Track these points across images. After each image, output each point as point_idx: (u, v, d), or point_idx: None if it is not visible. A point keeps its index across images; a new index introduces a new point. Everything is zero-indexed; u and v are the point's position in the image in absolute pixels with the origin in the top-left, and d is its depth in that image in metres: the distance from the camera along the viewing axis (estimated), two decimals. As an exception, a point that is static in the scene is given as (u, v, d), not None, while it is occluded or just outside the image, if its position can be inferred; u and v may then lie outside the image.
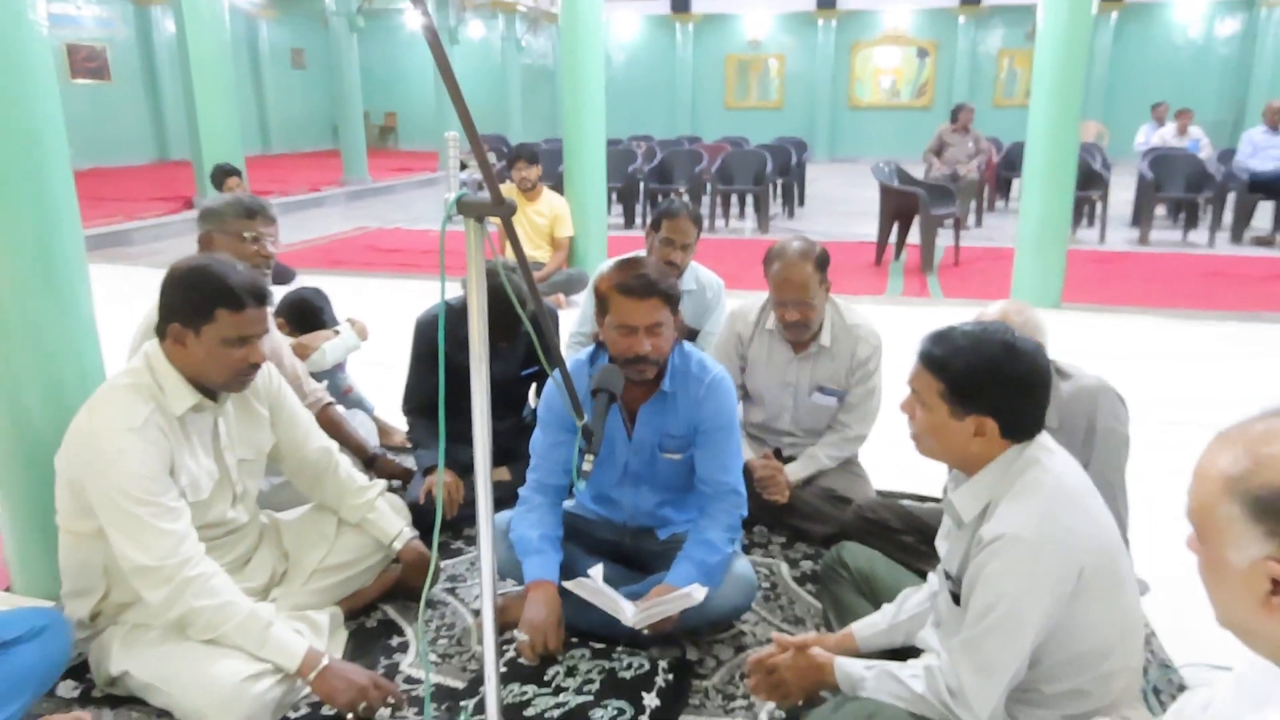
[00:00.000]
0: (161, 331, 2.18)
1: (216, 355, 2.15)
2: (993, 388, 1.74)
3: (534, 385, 3.43)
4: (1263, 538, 1.04)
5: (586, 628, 2.45)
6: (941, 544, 1.99)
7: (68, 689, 2.29)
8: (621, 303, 2.37)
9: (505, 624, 2.53)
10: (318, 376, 3.69)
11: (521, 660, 2.28)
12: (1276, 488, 1.04)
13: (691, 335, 3.77)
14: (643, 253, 3.80)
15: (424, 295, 6.66)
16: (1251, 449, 1.07)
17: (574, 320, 4.09)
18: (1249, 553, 1.06)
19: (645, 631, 2.28)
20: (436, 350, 1.64)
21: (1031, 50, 6.95)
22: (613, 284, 2.39)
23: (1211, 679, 2.29)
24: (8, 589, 2.72)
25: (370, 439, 3.53)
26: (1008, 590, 1.68)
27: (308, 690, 2.21)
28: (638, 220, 10.65)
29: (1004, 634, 1.70)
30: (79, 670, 2.30)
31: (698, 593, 2.27)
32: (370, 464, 3.22)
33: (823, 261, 3.00)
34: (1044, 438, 1.82)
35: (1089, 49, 6.17)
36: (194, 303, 2.13)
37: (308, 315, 3.65)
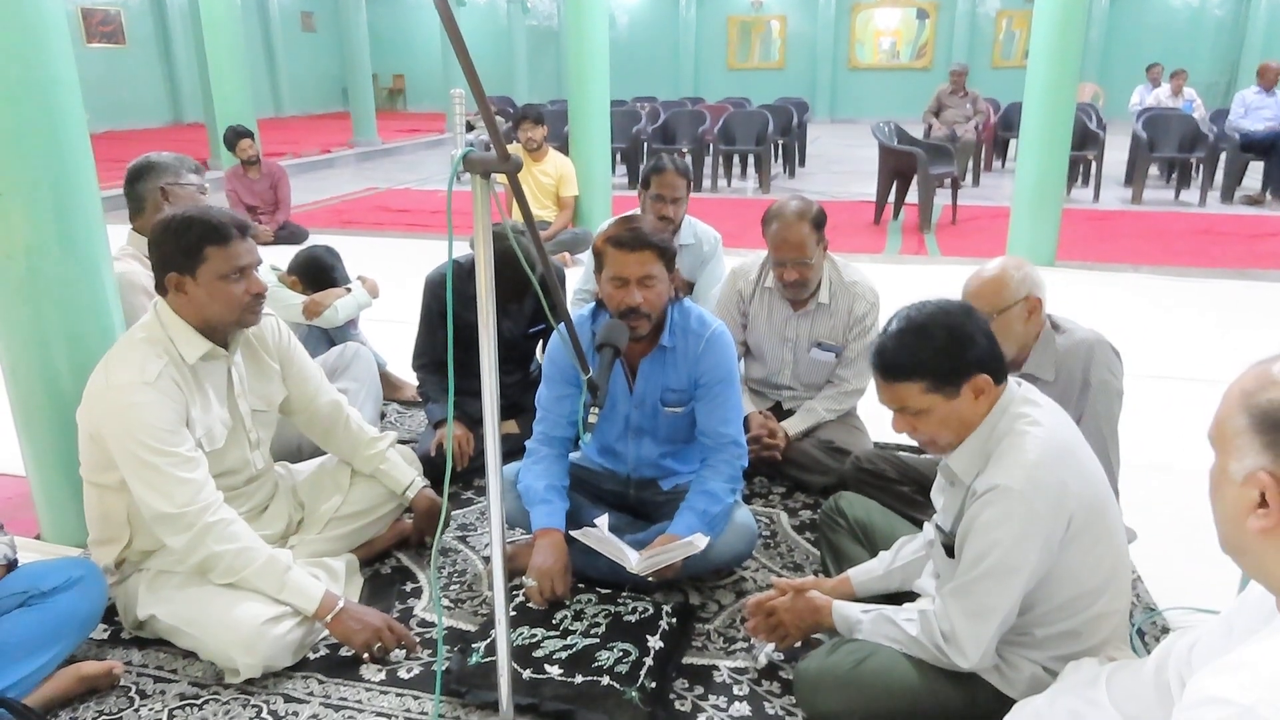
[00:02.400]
0: (161, 286, 2.17)
1: (218, 293, 2.14)
2: (960, 350, 1.74)
3: (541, 342, 3.43)
4: (1262, 449, 1.06)
5: (594, 574, 2.47)
6: (937, 497, 1.99)
7: (99, 632, 2.32)
8: (614, 255, 2.37)
9: (514, 570, 2.55)
10: (332, 333, 3.69)
11: (530, 605, 2.31)
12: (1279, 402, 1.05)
13: (690, 289, 3.75)
14: (638, 210, 3.78)
15: (433, 254, 6.62)
16: (1270, 370, 1.09)
17: (578, 278, 4.07)
18: (1246, 463, 1.07)
19: (650, 578, 2.30)
20: (446, 308, 1.63)
21: (1030, 11, 6.84)
22: (606, 238, 2.39)
23: (1194, 622, 2.32)
24: (38, 537, 2.75)
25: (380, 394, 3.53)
26: (1000, 538, 1.69)
27: (326, 633, 2.24)
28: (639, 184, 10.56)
29: (996, 580, 1.71)
30: (108, 614, 2.32)
31: (699, 541, 2.28)
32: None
33: (819, 221, 2.98)
34: (1030, 390, 1.83)
35: (1087, 11, 6.07)
36: (182, 248, 2.12)
37: (320, 273, 3.63)
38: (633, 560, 2.25)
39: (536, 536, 2.40)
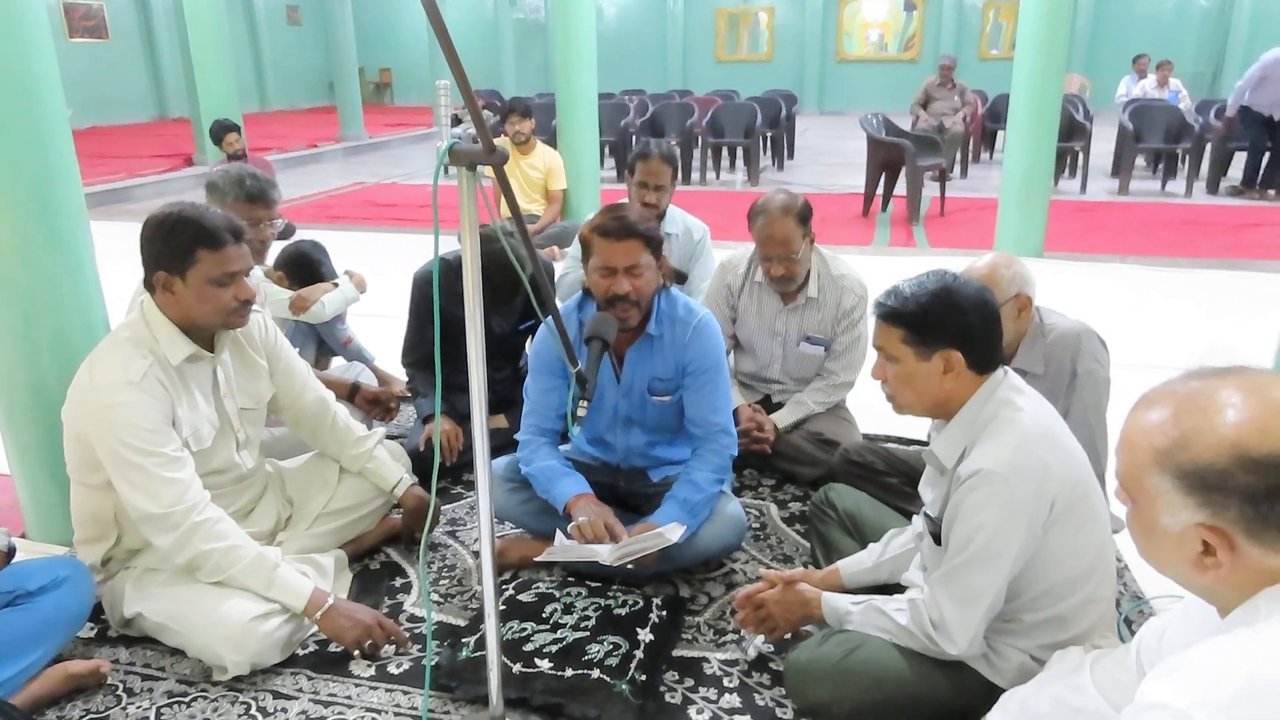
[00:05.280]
0: (149, 284, 2.15)
1: (206, 297, 2.13)
2: (947, 317, 1.77)
3: (530, 337, 3.43)
4: (1196, 507, 1.05)
5: (584, 568, 2.47)
6: (925, 490, 2.00)
7: (85, 630, 2.31)
8: (601, 244, 2.37)
9: (503, 565, 2.56)
10: (319, 328, 3.67)
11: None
12: (1205, 462, 1.04)
13: (681, 279, 3.74)
14: (627, 200, 3.78)
15: (421, 248, 6.62)
16: (1179, 419, 1.08)
17: (562, 270, 4.06)
18: (1180, 519, 1.07)
19: (630, 565, 2.30)
20: (431, 302, 1.63)
21: (1017, 2, 6.84)
22: (593, 227, 2.39)
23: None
24: (23, 535, 2.73)
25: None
26: (985, 522, 1.70)
27: (315, 629, 2.23)
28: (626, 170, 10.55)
29: (982, 564, 1.72)
30: (95, 612, 2.31)
31: (673, 532, 2.28)
32: (352, 396, 3.18)
33: (805, 215, 2.98)
34: (1015, 380, 1.84)
35: (1073, 1, 6.08)
36: (174, 248, 2.10)
37: (307, 268, 3.61)
38: (604, 554, 2.25)
39: (571, 505, 2.41)
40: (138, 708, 2.05)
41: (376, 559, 2.68)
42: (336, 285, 3.63)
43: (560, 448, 2.65)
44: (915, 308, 1.79)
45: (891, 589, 2.12)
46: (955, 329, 1.78)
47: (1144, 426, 1.11)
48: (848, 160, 11.63)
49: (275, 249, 3.55)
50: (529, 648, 2.13)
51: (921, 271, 1.87)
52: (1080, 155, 9.64)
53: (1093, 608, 1.78)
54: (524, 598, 2.34)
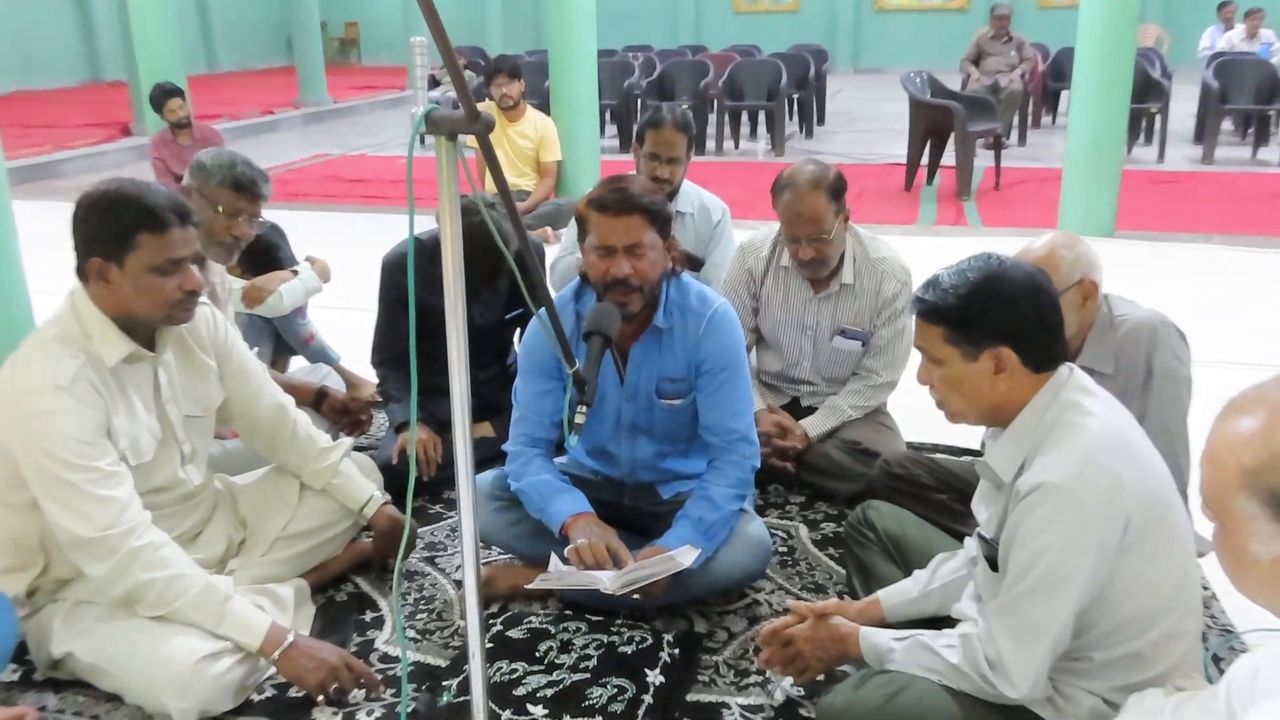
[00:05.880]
0: (82, 272, 2.15)
1: (147, 287, 2.13)
2: (994, 309, 1.77)
3: (518, 330, 3.43)
4: None
5: (582, 599, 2.47)
6: (979, 507, 1.99)
7: (7, 673, 2.30)
8: (598, 220, 2.36)
9: (490, 596, 2.55)
10: (276, 323, 3.68)
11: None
12: None
13: (696, 265, 3.74)
14: (634, 173, 3.77)
15: (393, 230, 6.59)
16: (1270, 434, 1.07)
17: (555, 254, 4.05)
18: (1272, 548, 1.07)
19: (635, 596, 2.30)
20: (406, 293, 1.62)
21: (1083, -59, 6.81)
22: (589, 201, 2.39)
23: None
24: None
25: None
26: (1048, 544, 1.69)
27: (272, 671, 2.23)
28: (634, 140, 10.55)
29: (1045, 594, 1.71)
30: (18, 652, 2.31)
31: (685, 555, 2.28)
32: (316, 403, 3.18)
33: (838, 189, 2.97)
34: (1082, 379, 1.83)
35: (1149, -62, 6.07)
36: (111, 231, 2.10)
37: (262, 254, 3.61)
38: (606, 581, 2.24)
39: (569, 525, 2.41)
40: (69, 762, 2.05)
41: (343, 589, 2.67)
42: (296, 273, 3.63)
43: (555, 460, 2.65)
44: (955, 300, 1.79)
45: (941, 623, 2.11)
46: (1004, 322, 1.77)
47: (1231, 439, 1.11)
48: (887, 126, 11.61)
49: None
50: (520, 692, 2.12)
51: (968, 256, 1.87)
52: (1157, 118, 9.60)
53: (1175, 643, 1.77)
54: (514, 634, 2.34)
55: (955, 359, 1.81)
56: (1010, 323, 1.78)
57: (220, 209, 2.83)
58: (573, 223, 2.62)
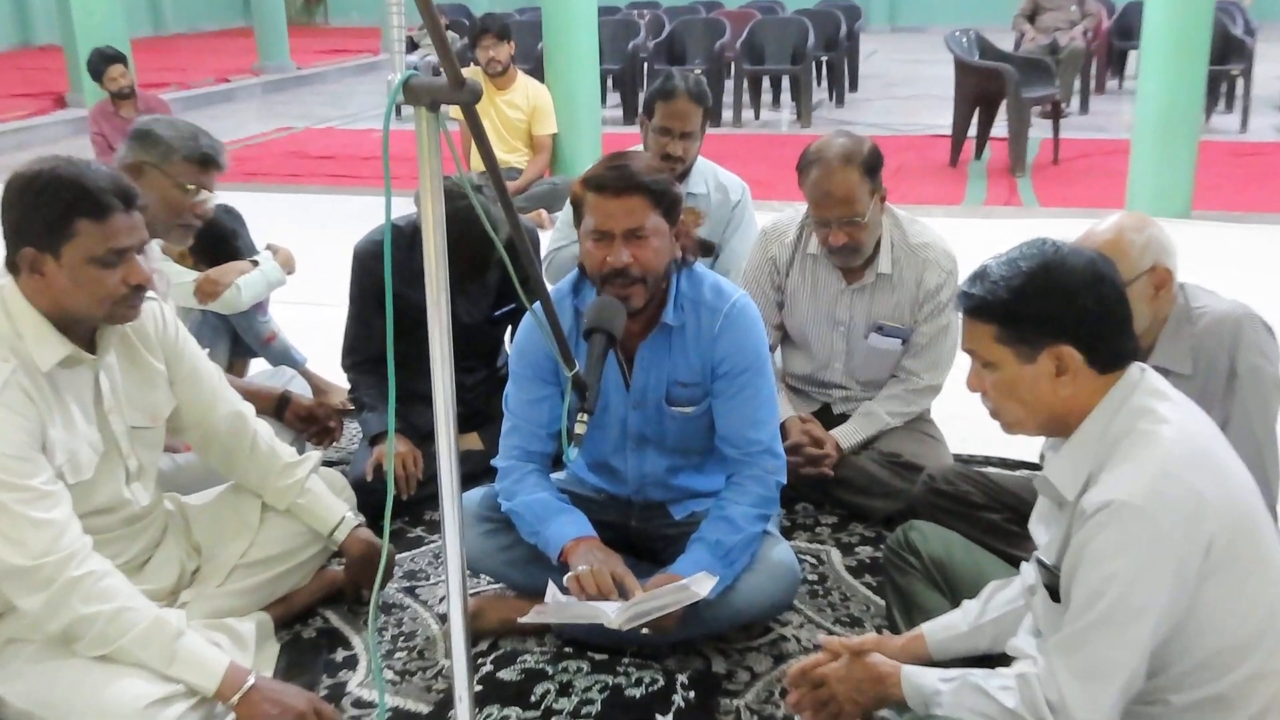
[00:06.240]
0: (12, 264, 2.15)
1: (86, 281, 2.12)
2: (1051, 302, 1.77)
3: (510, 329, 3.43)
4: None
5: (584, 636, 2.47)
6: (1038, 529, 1.99)
7: (-73, 721, 2.32)
8: (594, 201, 2.37)
9: (479, 632, 2.55)
10: (233, 321, 3.68)
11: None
12: None
13: (709, 253, 3.73)
14: (640, 149, 3.77)
15: (366, 214, 6.60)
16: None
17: (550, 241, 4.06)
18: None
19: (645, 631, 2.30)
20: (383, 287, 1.63)
21: (1153, -121, 6.80)
22: (585, 180, 2.39)
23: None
24: None
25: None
26: (1118, 571, 1.69)
27: (231, 717, 2.23)
28: (640, 112, 10.55)
29: (1115, 627, 1.71)
30: (-59, 697, 2.32)
31: (700, 584, 2.28)
32: (279, 411, 3.18)
33: (873, 164, 2.97)
34: (1155, 381, 1.83)
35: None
36: (46, 217, 2.09)
37: (217, 241, 3.61)
38: (611, 613, 2.24)
39: (567, 552, 2.41)
40: (0, 822, 2.06)
41: (311, 624, 2.68)
42: (256, 264, 3.64)
43: (553, 476, 2.65)
44: (1007, 294, 1.79)
45: (994, 660, 2.11)
46: (1063, 316, 1.77)
47: None
48: (929, 92, 11.61)
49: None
50: (513, 741, 2.13)
51: (1020, 243, 1.86)
52: (1239, 82, 9.58)
53: (1264, 684, 1.77)
54: (506, 675, 2.34)
55: (1009, 361, 1.81)
56: (1071, 317, 1.77)
57: (187, 187, 2.83)
58: (569, 206, 2.61)
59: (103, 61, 7.24)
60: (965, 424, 3.30)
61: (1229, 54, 9.33)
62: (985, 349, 1.83)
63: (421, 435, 3.08)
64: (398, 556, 2.97)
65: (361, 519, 2.70)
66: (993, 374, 1.84)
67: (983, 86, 8.13)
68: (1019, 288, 1.78)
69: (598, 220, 2.36)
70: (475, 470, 2.95)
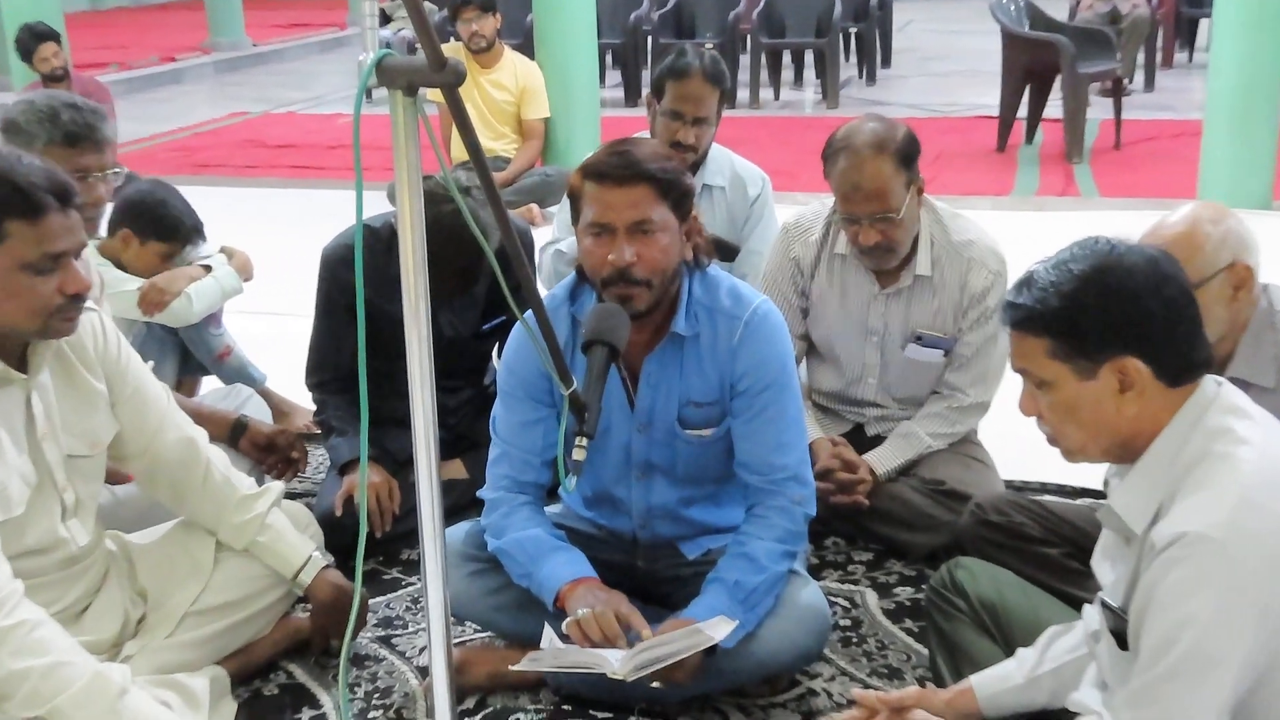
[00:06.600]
0: None
1: (17, 290, 2.13)
2: (1111, 308, 1.76)
3: (498, 344, 3.43)
4: None
5: (586, 690, 2.47)
6: (1102, 566, 1.99)
7: None
8: (593, 193, 2.36)
9: (465, 687, 2.55)
10: (182, 334, 3.68)
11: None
12: None
13: (729, 255, 3.74)
14: (646, 133, 3.77)
15: (334, 212, 6.62)
16: None
17: (547, 242, 4.06)
18: None
19: (655, 684, 2.29)
20: (352, 295, 1.63)
21: None
22: (584, 169, 2.39)
23: None
24: None
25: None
26: (1194, 614, 1.68)
27: (182, 787, 2.24)
28: (644, 92, 10.55)
29: (1191, 678, 1.70)
30: None
31: (717, 629, 2.27)
32: (235, 438, 3.18)
33: (908, 153, 2.97)
34: (1233, 396, 1.83)
35: None
36: None
37: (161, 221, 3.56)
38: (616, 662, 2.24)
39: (564, 595, 2.40)
40: None
41: (273, 680, 2.68)
42: (209, 269, 3.64)
43: (547, 509, 2.66)
44: (1059, 301, 1.78)
45: (1053, 717, 2.11)
46: (1125, 324, 1.77)
47: None
48: (972, 68, 11.64)
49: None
50: (505, 812, 2.12)
51: (1069, 244, 1.86)
52: (1326, 53, 9.59)
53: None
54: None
55: (1067, 379, 1.80)
56: (1134, 324, 1.77)
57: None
58: (566, 204, 2.61)
59: (33, 39, 7.26)
60: (1018, 445, 3.28)
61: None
62: (1038, 367, 1.82)
63: (398, 463, 3.08)
64: (371, 602, 2.96)
65: (330, 559, 2.70)
66: (1048, 395, 1.83)
67: (1034, 60, 8.14)
68: (1072, 294, 1.78)
69: (597, 213, 2.36)
70: (459, 503, 2.95)
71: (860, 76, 11.56)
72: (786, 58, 11.18)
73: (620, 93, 10.57)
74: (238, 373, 3.83)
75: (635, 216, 2.34)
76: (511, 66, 6.77)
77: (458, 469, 3.24)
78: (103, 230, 3.44)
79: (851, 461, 3.12)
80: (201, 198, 4.25)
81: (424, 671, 2.69)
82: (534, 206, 6.44)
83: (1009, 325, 1.86)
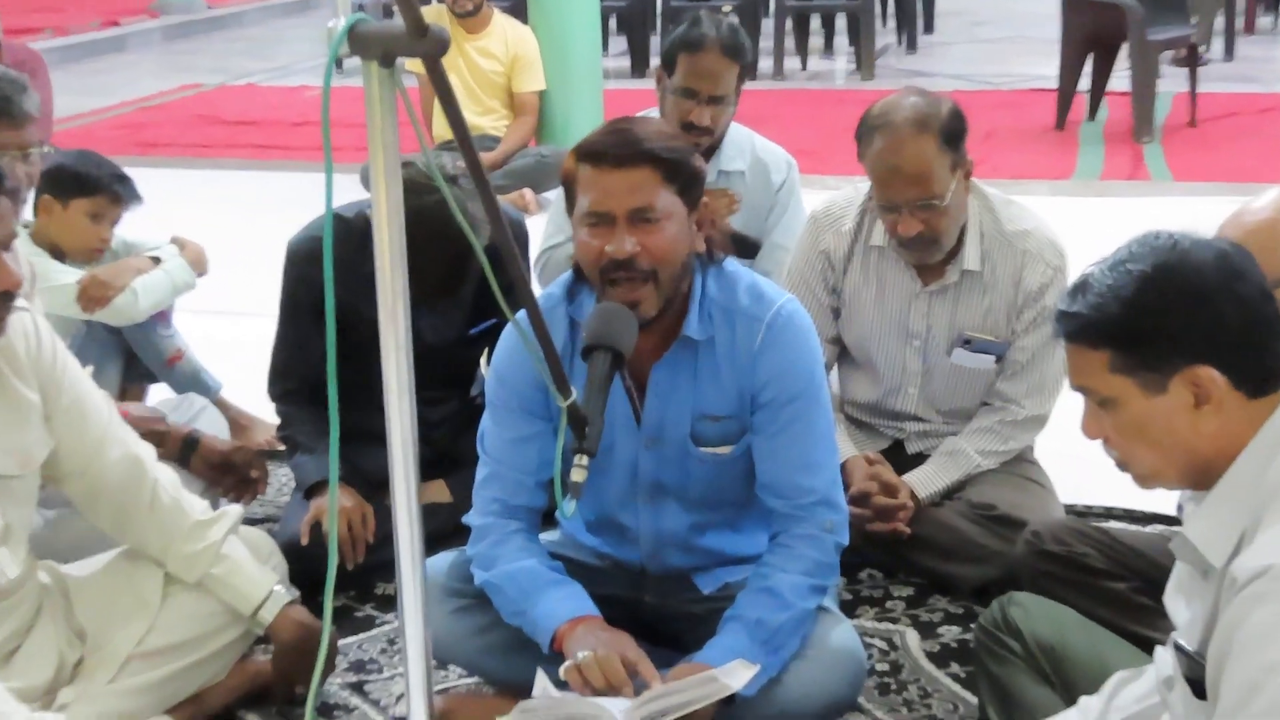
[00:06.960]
0: None
1: None
2: (1179, 312, 1.75)
3: (487, 350, 3.43)
4: None
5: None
6: (1175, 603, 1.99)
7: None
8: (589, 177, 2.35)
9: (449, 737, 2.56)
10: (127, 335, 3.69)
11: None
12: None
13: (749, 251, 3.74)
14: (654, 112, 3.76)
15: (300, 198, 6.63)
16: None
17: (542, 239, 4.06)
18: None
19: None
20: (320, 294, 1.63)
21: None
22: (579, 150, 2.39)
23: None
24: None
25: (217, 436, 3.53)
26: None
27: None
28: (654, 62, 10.56)
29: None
30: None
31: (735, 675, 2.26)
32: (186, 456, 3.18)
33: (954, 131, 2.97)
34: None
35: None
36: None
37: (77, 179, 3.57)
38: (618, 714, 2.24)
39: (561, 636, 2.40)
40: None
41: (230, 732, 2.69)
42: (157, 261, 3.65)
43: (542, 537, 2.66)
44: (1119, 308, 1.77)
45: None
46: (1195, 329, 1.76)
47: None
48: (1026, 34, 11.66)
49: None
50: None
51: (1128, 241, 1.85)
52: None
53: None
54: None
55: (1133, 395, 1.79)
56: (1205, 329, 1.76)
57: None
58: (562, 194, 2.59)
59: (-43, 3, 7.29)
60: (1079, 465, 3.28)
61: None
62: (1100, 383, 1.81)
63: (372, 485, 3.08)
64: (341, 642, 2.97)
65: (295, 594, 2.71)
66: (1114, 414, 1.82)
67: (1098, 25, 8.14)
68: (1132, 298, 1.77)
69: (594, 199, 2.35)
70: (442, 529, 2.95)
71: (899, 43, 11.57)
72: (815, 22, 11.19)
73: (626, 62, 10.58)
74: (190, 380, 3.83)
75: (636, 202, 2.33)
76: (501, 33, 6.78)
77: (440, 491, 3.24)
78: (28, 214, 3.45)
79: (890, 483, 3.12)
80: (149, 180, 4.26)
81: (401, 721, 2.70)
82: (526, 192, 6.44)
83: (1063, 337, 1.86)
